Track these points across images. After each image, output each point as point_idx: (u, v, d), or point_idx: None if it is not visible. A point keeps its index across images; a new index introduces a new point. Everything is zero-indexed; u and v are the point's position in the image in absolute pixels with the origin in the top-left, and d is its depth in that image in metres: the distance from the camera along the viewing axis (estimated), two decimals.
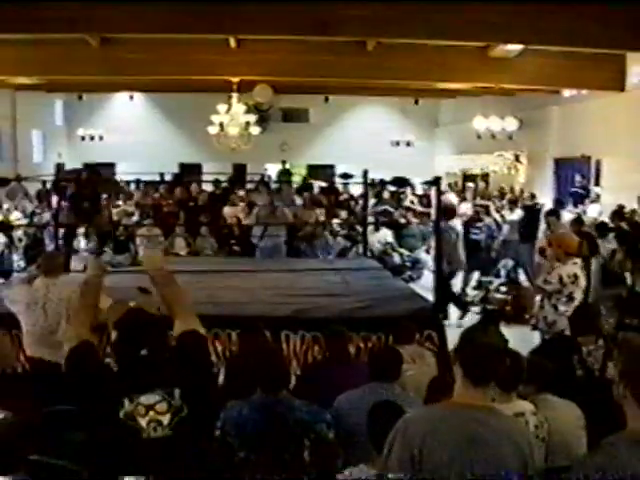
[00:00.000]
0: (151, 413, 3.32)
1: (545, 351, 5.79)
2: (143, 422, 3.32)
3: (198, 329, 3.71)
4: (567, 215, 13.93)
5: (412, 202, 18.20)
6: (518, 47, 12.97)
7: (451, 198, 17.44)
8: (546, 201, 17.17)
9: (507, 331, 7.05)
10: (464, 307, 11.50)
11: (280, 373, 4.54)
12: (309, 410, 4.36)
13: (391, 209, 16.75)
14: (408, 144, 26.87)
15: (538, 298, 8.17)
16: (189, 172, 24.38)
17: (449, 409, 3.30)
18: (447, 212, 12.08)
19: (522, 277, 13.92)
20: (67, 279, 6.73)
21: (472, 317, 11.22)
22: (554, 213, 12.72)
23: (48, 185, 16.95)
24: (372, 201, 16.51)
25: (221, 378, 5.90)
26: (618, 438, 2.74)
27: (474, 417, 3.21)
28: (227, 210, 14.43)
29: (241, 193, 16.12)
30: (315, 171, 25.62)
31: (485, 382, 3.29)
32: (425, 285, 12.16)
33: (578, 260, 7.77)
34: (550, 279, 7.65)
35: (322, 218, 14.17)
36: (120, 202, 16.14)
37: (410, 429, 3.23)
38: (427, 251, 14.57)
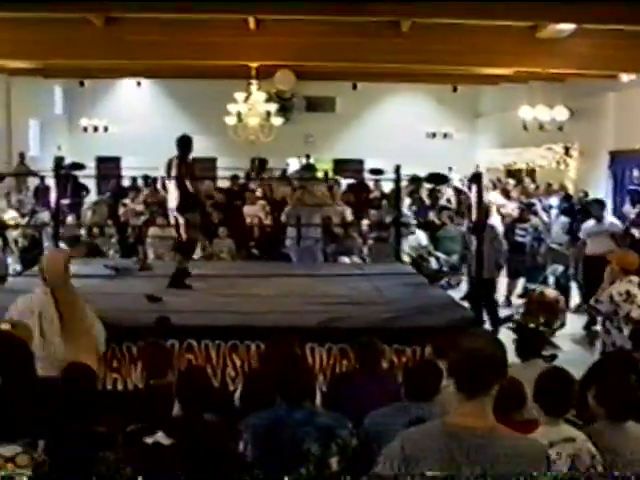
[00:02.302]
0: (9, 466, 3.12)
1: (602, 369, 5.71)
2: None
3: (90, 357, 3.50)
4: (630, 213, 13.84)
5: (449, 200, 18.16)
6: (570, 27, 12.87)
7: (495, 196, 17.36)
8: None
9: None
10: (497, 322, 11.16)
11: (304, 382, 4.61)
12: (331, 416, 4.52)
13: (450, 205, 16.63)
14: (445, 136, 26.83)
15: (599, 321, 8.18)
16: (203, 167, 24.43)
17: (442, 431, 3.18)
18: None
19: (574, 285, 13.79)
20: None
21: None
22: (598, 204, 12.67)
23: (47, 181, 17.11)
24: (407, 201, 16.42)
25: (237, 395, 5.97)
26: None
27: (471, 442, 3.11)
28: (246, 209, 14.48)
29: (259, 192, 16.11)
30: (342, 166, 25.66)
31: (480, 393, 3.17)
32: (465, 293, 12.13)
33: (635, 278, 7.73)
34: (601, 298, 7.68)
35: (350, 218, 14.19)
36: (127, 201, 16.21)
37: (406, 450, 3.18)
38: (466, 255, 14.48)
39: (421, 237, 14.97)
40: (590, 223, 12.62)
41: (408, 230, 14.40)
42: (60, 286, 3.76)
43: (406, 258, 13.37)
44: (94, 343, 3.56)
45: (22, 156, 21.60)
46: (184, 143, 9.23)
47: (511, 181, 20.58)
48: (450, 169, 21.02)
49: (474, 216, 8.94)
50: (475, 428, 3.13)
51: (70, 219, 14.84)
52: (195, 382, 4.72)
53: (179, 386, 4.67)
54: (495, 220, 13.14)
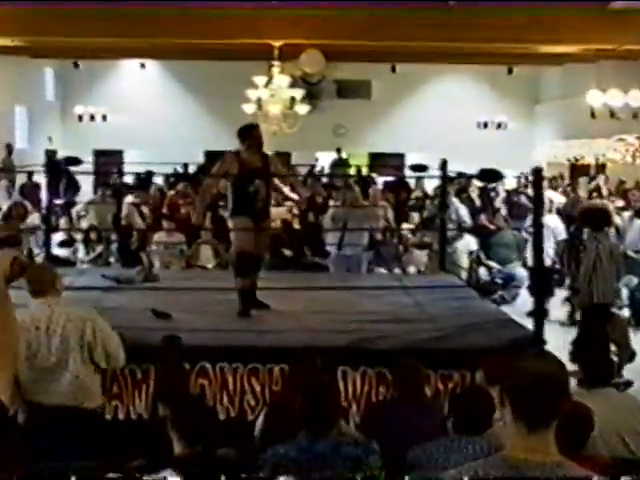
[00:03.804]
0: None
1: None
2: None
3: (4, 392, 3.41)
4: None
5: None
6: None
7: (553, 196, 17.31)
8: None
9: None
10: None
11: (330, 411, 4.66)
12: (359, 443, 4.60)
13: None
14: (499, 126, 26.80)
15: None
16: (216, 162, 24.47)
17: (501, 467, 3.15)
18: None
19: None
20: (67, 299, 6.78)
21: None
22: None
23: (36, 178, 17.21)
24: (455, 202, 16.35)
25: (258, 426, 6.01)
26: None
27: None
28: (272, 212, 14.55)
29: (286, 189, 16.15)
30: (378, 161, 25.71)
31: (545, 425, 3.15)
32: (522, 309, 12.06)
33: None
34: None
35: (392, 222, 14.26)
36: (131, 199, 16.22)
37: None
38: (524, 264, 14.46)
39: (471, 243, 14.93)
40: None
41: (458, 235, 14.39)
42: None
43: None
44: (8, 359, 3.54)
45: (9, 148, 21.71)
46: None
47: (582, 179, 20.39)
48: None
49: (532, 219, 8.90)
50: (541, 464, 3.10)
51: (63, 222, 14.96)
52: (190, 414, 4.79)
53: (173, 419, 4.74)
54: (554, 221, 13.10)
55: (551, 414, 3.16)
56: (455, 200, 15.26)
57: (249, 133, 9.09)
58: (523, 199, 17.60)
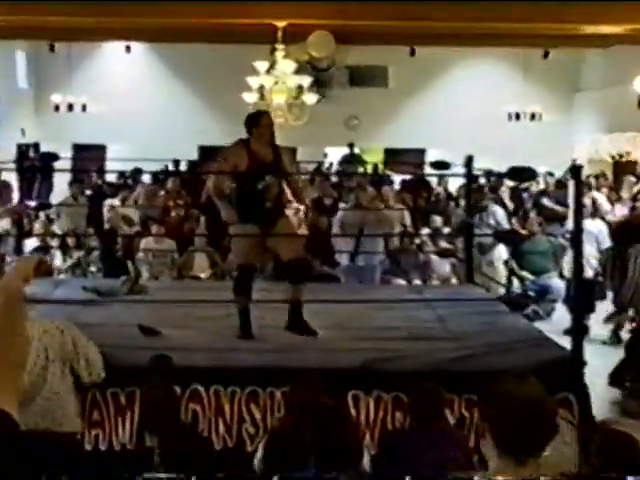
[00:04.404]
0: None
1: None
2: None
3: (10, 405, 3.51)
4: None
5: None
6: None
7: (598, 197, 17.30)
8: None
9: None
10: None
11: (342, 443, 4.70)
12: None
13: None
14: (533, 117, 26.74)
15: None
16: (214, 159, 24.45)
17: None
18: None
19: None
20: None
21: None
22: None
23: (5, 176, 17.19)
24: (492, 204, 16.34)
25: (258, 458, 5.98)
26: None
27: None
28: None
29: (289, 192, 16.17)
30: (396, 158, 25.75)
31: (534, 455, 3.23)
32: (559, 325, 12.06)
33: None
34: None
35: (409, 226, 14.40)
36: (116, 201, 16.33)
37: None
38: (561, 275, 14.43)
39: (501, 251, 14.93)
40: None
41: (494, 242, 14.43)
42: None
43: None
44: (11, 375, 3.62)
45: None
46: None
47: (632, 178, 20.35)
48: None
49: (572, 224, 8.91)
50: None
51: (38, 226, 15.08)
52: (181, 444, 4.75)
53: (162, 450, 4.76)
54: (598, 226, 13.12)
55: (539, 443, 3.22)
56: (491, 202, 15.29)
57: (258, 121, 8.81)
58: (546, 201, 17.57)
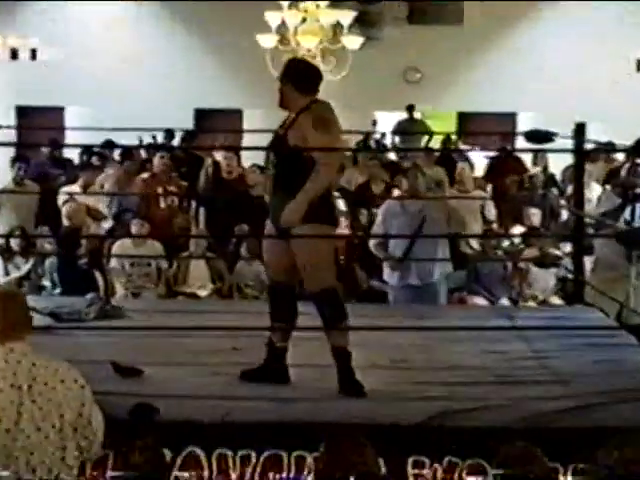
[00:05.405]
0: None
1: None
2: None
3: None
4: None
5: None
6: None
7: None
8: None
9: None
10: None
11: None
12: None
13: None
14: None
15: None
16: (215, 128, 24.17)
17: None
18: None
19: None
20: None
21: None
22: None
23: None
24: (597, 189, 16.00)
25: None
26: None
27: None
28: None
29: None
30: (473, 126, 25.51)
31: None
32: None
33: None
34: None
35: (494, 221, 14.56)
36: (76, 187, 16.15)
37: None
38: None
39: None
40: None
41: None
42: None
43: None
44: None
45: None
46: None
47: None
48: None
49: None
50: None
51: None
52: None
53: None
54: None
55: None
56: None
57: (318, 80, 8.21)
58: None
